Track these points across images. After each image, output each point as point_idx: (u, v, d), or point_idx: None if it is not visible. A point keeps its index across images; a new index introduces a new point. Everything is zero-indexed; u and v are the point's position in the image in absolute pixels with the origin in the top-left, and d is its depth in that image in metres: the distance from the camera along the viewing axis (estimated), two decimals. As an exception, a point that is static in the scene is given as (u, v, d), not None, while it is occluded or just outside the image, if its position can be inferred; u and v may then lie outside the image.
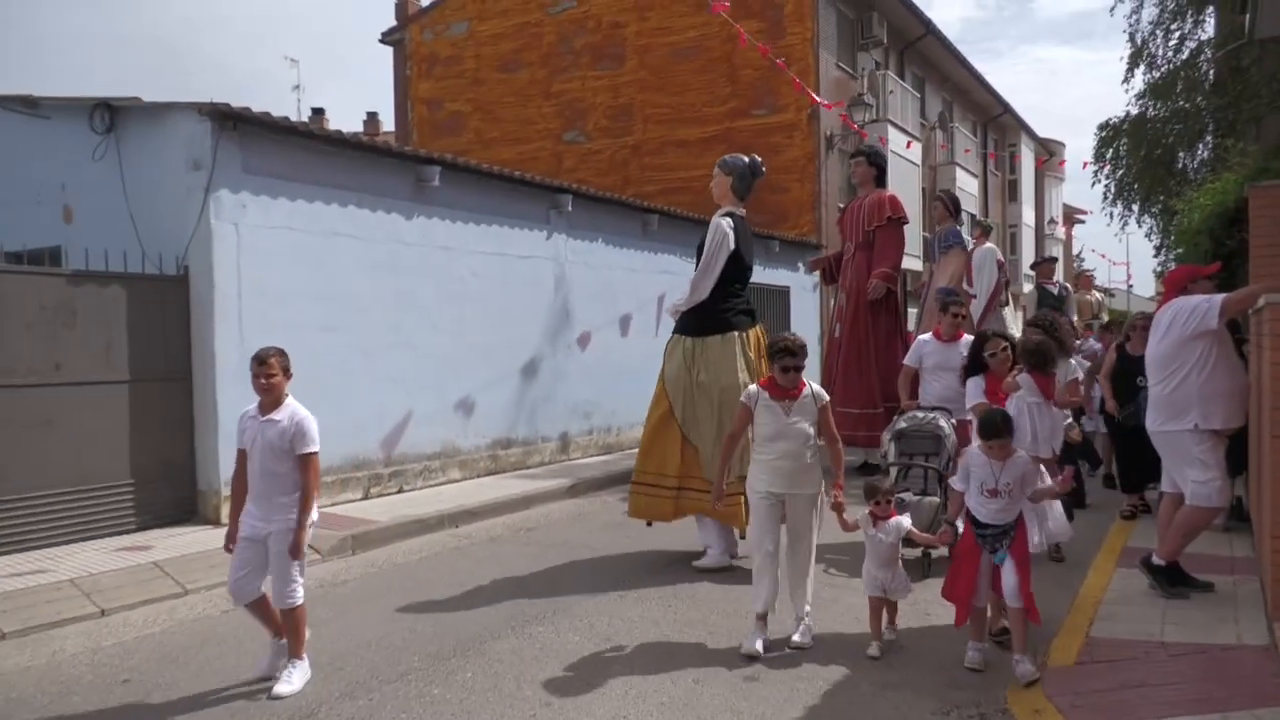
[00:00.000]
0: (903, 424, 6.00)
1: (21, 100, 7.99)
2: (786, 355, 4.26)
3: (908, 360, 6.59)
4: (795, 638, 4.30)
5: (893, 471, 5.82)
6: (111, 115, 7.35)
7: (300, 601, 3.92)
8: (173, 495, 6.84)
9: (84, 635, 4.67)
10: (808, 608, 4.39)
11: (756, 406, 4.33)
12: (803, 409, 4.29)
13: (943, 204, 10.40)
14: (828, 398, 4.40)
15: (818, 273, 11.31)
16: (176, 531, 6.58)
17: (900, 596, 4.34)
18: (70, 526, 6.22)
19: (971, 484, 4.04)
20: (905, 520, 4.31)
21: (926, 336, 6.53)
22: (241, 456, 4.11)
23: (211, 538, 6.38)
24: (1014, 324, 11.61)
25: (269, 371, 4.10)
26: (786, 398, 4.28)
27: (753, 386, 4.43)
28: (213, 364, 6.81)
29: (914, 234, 11.90)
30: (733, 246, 5.81)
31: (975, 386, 5.32)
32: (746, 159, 6.11)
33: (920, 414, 6.00)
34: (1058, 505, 5.22)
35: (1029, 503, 4.20)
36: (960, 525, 4.18)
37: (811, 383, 4.38)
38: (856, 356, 9.45)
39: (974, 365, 5.41)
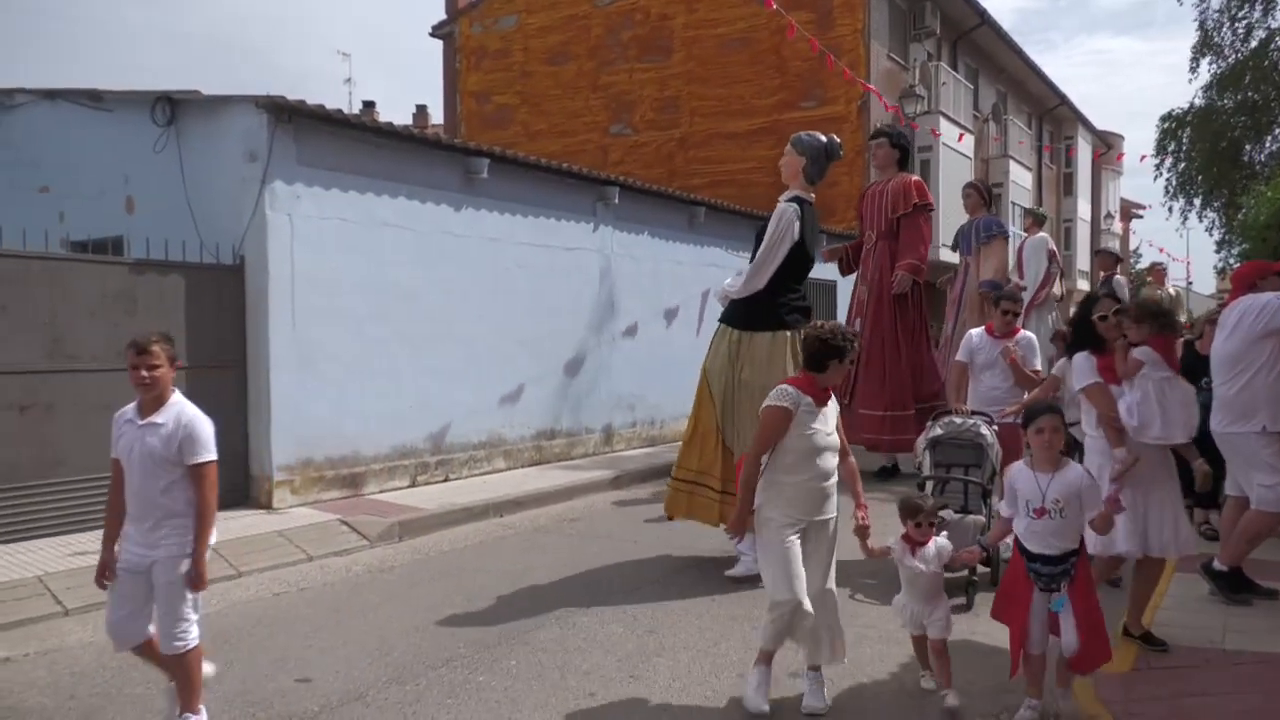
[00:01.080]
0: (938, 431, 5.40)
1: (87, 94, 8.23)
2: (833, 351, 3.54)
3: (959, 356, 6.18)
4: (809, 700, 3.51)
5: (928, 486, 5.23)
6: (172, 108, 7.53)
7: (193, 644, 3.20)
8: (226, 480, 6.90)
9: (142, 614, 4.80)
10: (840, 657, 3.61)
11: (799, 412, 3.50)
12: (831, 416, 3.63)
13: (977, 192, 10.08)
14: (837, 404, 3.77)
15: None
16: (230, 515, 6.72)
17: (940, 635, 3.58)
18: (786, 398, 6.38)
19: (1018, 503, 3.40)
20: (946, 543, 3.62)
21: (978, 331, 6.12)
22: (116, 468, 3.37)
23: (264, 522, 6.53)
24: (1061, 323, 11.21)
25: (151, 362, 3.28)
26: (825, 403, 3.61)
27: (789, 386, 3.57)
28: (267, 352, 6.95)
29: (951, 224, 11.61)
30: (797, 236, 5.30)
31: (1085, 365, 4.20)
32: (824, 139, 5.50)
33: (958, 420, 5.42)
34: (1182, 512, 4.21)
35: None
36: (1006, 550, 3.72)
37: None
38: (881, 354, 8.84)
39: (1080, 337, 4.36)
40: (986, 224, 10.36)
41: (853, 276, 9.89)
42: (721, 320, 5.68)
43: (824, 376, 3.59)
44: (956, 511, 5.09)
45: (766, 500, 3.56)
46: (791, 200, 5.41)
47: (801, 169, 5.43)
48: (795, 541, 3.50)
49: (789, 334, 5.39)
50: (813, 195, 5.55)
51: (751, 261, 5.52)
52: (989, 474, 5.20)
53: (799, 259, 5.42)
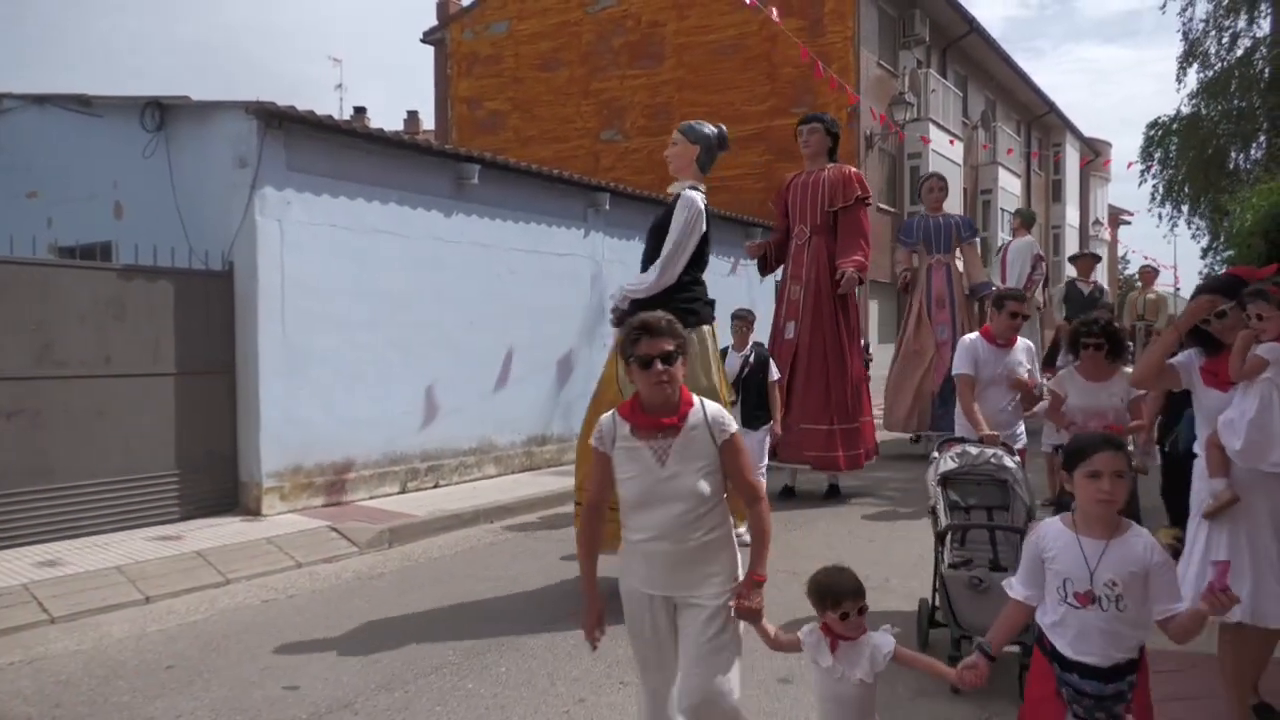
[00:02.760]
0: (950, 464, 4.29)
1: (76, 99, 8.20)
2: (646, 336, 2.50)
3: (963, 368, 5.04)
4: None
5: (946, 539, 4.10)
6: (161, 114, 7.52)
7: None
8: (215, 486, 6.97)
9: (129, 621, 4.78)
10: None
11: (615, 449, 2.58)
12: (690, 448, 2.52)
13: (944, 186, 10.17)
14: (734, 426, 2.61)
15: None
16: (219, 521, 6.71)
17: None
18: (117, 515, 6.37)
19: (1049, 585, 2.35)
20: (886, 642, 2.51)
21: (974, 337, 5.15)
22: None
23: (252, 528, 6.50)
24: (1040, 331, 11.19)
25: None
26: (658, 431, 2.52)
27: (607, 416, 2.64)
28: (256, 358, 6.93)
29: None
30: (705, 227, 5.06)
31: (1189, 361, 3.44)
32: (714, 128, 5.27)
33: (973, 449, 4.30)
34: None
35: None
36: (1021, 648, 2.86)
37: (705, 401, 2.61)
38: (824, 361, 8.03)
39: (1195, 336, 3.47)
40: (967, 223, 10.34)
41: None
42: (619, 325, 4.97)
43: (650, 388, 2.51)
44: (983, 567, 3.98)
45: (624, 560, 2.71)
46: (693, 189, 5.09)
47: (695, 158, 5.16)
48: (646, 619, 2.65)
49: (706, 328, 5.05)
50: (704, 186, 5.27)
51: (652, 257, 5.02)
52: (1023, 516, 4.08)
53: (704, 250, 5.12)
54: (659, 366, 2.48)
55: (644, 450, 2.53)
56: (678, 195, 5.07)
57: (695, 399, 2.58)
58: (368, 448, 7.75)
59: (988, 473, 4.24)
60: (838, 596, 2.51)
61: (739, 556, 2.69)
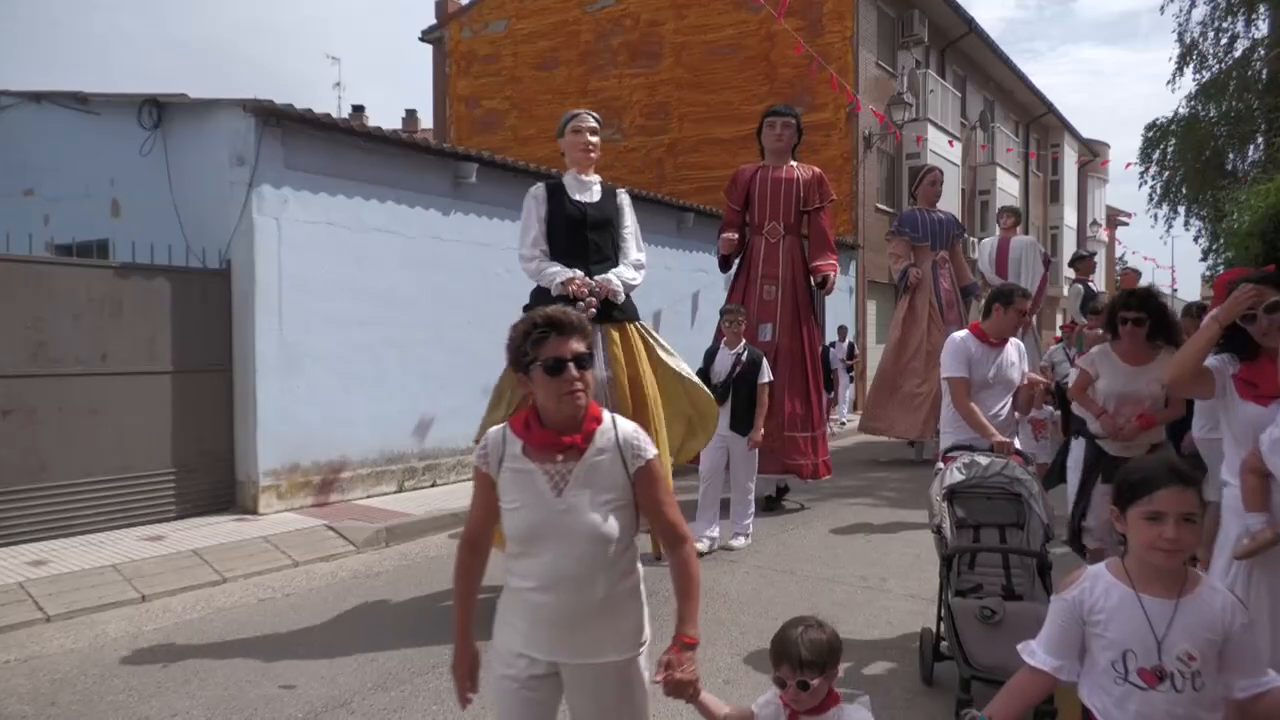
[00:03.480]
0: (957, 475, 3.82)
1: (73, 96, 8.18)
2: (554, 334, 2.01)
3: (954, 370, 4.54)
4: None
5: (954, 562, 3.63)
6: (159, 111, 7.50)
7: None
8: (211, 485, 6.96)
9: (125, 620, 4.77)
10: None
11: (501, 471, 2.06)
12: (596, 475, 2.03)
13: (943, 180, 10.00)
14: (652, 450, 2.09)
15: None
16: (215, 520, 6.70)
17: None
18: (113, 513, 6.36)
19: (1098, 656, 1.85)
20: (863, 716, 2.12)
21: (964, 335, 4.66)
22: None
23: (249, 527, 6.49)
24: (1038, 331, 10.92)
25: None
26: (557, 452, 2.03)
27: (495, 430, 2.12)
28: (253, 356, 6.92)
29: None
30: None
31: (1223, 367, 3.06)
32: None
33: (982, 459, 3.85)
34: None
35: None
36: None
37: (618, 418, 2.12)
38: (804, 366, 7.82)
39: (1230, 338, 3.05)
40: (955, 220, 10.22)
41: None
42: (615, 319, 4.90)
43: (561, 400, 2.00)
44: (996, 595, 3.55)
45: (497, 616, 2.18)
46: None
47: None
48: (520, 695, 2.09)
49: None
50: None
51: (581, 249, 4.85)
52: (1040, 536, 3.65)
53: None
54: (572, 372, 1.98)
55: (537, 475, 2.02)
56: (612, 188, 5.14)
57: (605, 414, 2.09)
58: (364, 446, 7.74)
59: (1000, 486, 3.78)
60: (790, 662, 2.10)
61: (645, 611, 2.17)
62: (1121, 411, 3.99)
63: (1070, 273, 11.32)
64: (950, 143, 19.40)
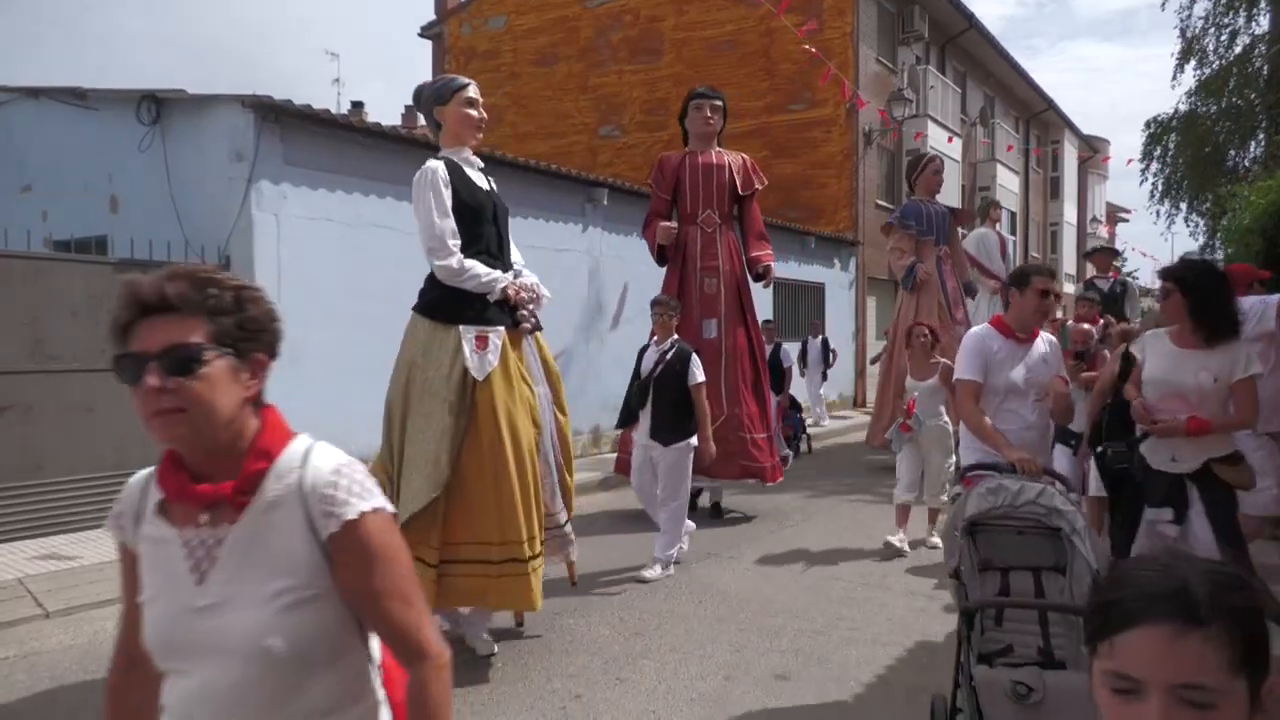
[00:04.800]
0: (979, 504, 2.94)
1: (71, 92, 8.16)
2: (140, 317, 1.28)
3: (965, 372, 3.76)
4: None
5: (976, 619, 2.76)
6: (157, 107, 7.48)
7: None
8: (211, 481, 6.95)
9: (124, 616, 4.76)
10: None
11: (140, 539, 1.40)
12: (259, 548, 1.27)
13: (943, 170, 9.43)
14: (368, 502, 1.34)
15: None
16: (215, 517, 6.69)
17: None
18: (111, 509, 6.34)
19: None
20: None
21: (983, 330, 3.86)
22: None
23: (248, 524, 6.48)
24: None
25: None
26: (199, 508, 1.32)
27: (138, 477, 1.54)
28: (252, 353, 6.91)
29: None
30: None
31: None
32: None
33: (1010, 483, 2.97)
34: None
35: None
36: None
37: (314, 450, 1.43)
38: (752, 363, 7.38)
39: None
40: (951, 212, 9.67)
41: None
42: (502, 324, 4.13)
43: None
44: (1025, 660, 2.80)
45: None
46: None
47: None
48: None
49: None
50: None
51: (497, 237, 4.28)
52: (1088, 585, 2.76)
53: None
54: (151, 379, 1.27)
55: (174, 547, 1.30)
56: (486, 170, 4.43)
57: (297, 444, 1.40)
58: (363, 443, 7.70)
59: (1033, 518, 2.94)
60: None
61: None
62: (1160, 406, 3.39)
63: (1072, 270, 11.15)
64: (950, 139, 19.37)
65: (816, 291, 15.66)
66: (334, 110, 7.88)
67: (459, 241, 4.00)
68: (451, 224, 4.00)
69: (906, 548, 5.89)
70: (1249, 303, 4.60)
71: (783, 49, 16.65)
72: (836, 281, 16.21)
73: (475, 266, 4.01)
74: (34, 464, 5.97)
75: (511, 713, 3.53)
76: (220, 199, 7.01)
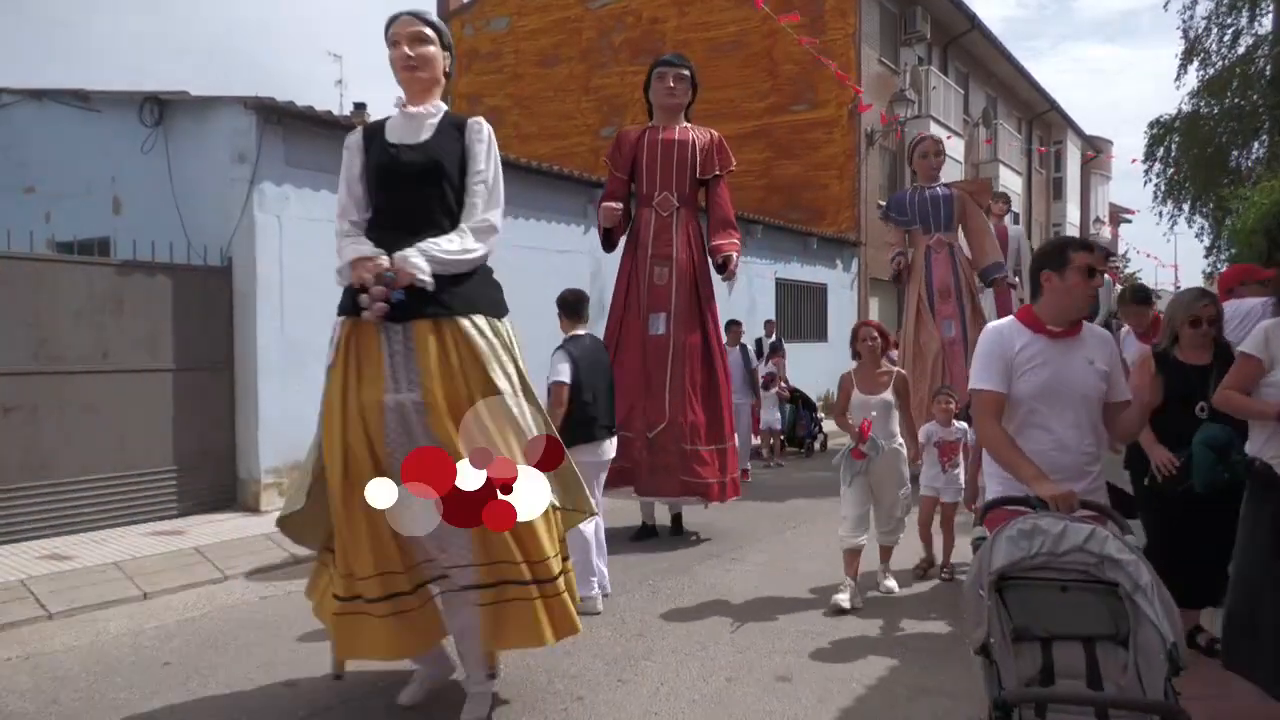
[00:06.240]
0: (1009, 553, 2.30)
1: (74, 94, 8.17)
2: None
3: (981, 380, 2.91)
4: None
5: (1014, 713, 2.05)
6: (160, 109, 7.49)
7: None
8: (213, 482, 6.96)
9: (127, 617, 4.77)
10: None
11: None
12: None
13: (943, 150, 8.60)
14: None
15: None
16: (216, 518, 6.70)
17: None
18: (114, 511, 6.36)
19: None
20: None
21: (1005, 324, 2.99)
22: None
23: (251, 524, 6.49)
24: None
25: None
26: None
27: None
28: (254, 354, 6.91)
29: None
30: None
31: None
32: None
33: (1049, 524, 2.31)
34: None
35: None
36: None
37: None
38: (707, 362, 6.53)
39: None
40: (953, 196, 8.73)
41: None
42: (422, 314, 3.20)
43: None
44: None
45: None
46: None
47: (447, 68, 3.57)
48: None
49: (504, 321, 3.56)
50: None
51: (414, 214, 3.30)
52: (1162, 664, 2.13)
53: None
54: None
55: None
56: (462, 119, 3.43)
57: None
58: (366, 444, 7.72)
59: (1081, 569, 2.29)
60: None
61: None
62: None
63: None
64: (951, 139, 19.35)
65: (819, 292, 15.66)
66: (337, 112, 7.88)
67: (350, 217, 3.41)
68: (343, 201, 3.43)
69: (859, 603, 4.80)
70: (1249, 304, 4.57)
71: (785, 50, 16.64)
72: (839, 282, 16.20)
73: (344, 245, 3.32)
74: (38, 464, 5.98)
75: (514, 714, 3.53)
76: (223, 200, 7.02)
